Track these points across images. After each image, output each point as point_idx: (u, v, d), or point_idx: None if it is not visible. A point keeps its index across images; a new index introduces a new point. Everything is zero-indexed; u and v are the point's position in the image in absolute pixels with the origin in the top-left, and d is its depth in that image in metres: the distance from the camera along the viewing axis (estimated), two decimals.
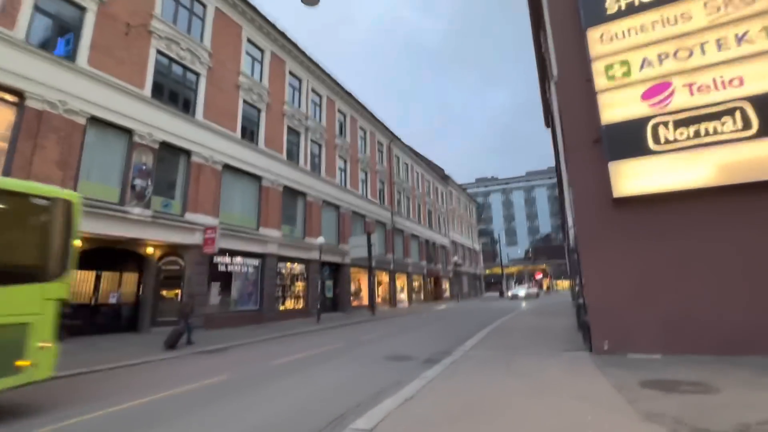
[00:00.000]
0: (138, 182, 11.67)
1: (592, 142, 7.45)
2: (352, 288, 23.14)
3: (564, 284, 68.79)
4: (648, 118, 6.92)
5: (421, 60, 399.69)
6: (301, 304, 18.44)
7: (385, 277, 27.56)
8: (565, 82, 8.06)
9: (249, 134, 16.55)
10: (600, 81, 7.40)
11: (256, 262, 16.00)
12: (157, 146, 12.40)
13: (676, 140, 6.63)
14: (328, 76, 22.22)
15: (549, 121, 28.68)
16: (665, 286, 6.53)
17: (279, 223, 17.25)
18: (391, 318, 18.57)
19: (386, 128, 29.47)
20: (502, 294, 49.75)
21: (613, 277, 6.85)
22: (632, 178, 6.85)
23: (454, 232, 45.26)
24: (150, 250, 12.82)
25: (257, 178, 16.60)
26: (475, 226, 58.29)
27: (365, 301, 24.07)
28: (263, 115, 17.28)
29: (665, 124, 6.78)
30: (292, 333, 12.68)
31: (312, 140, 20.62)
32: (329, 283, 21.18)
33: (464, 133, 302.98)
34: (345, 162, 23.74)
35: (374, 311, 19.62)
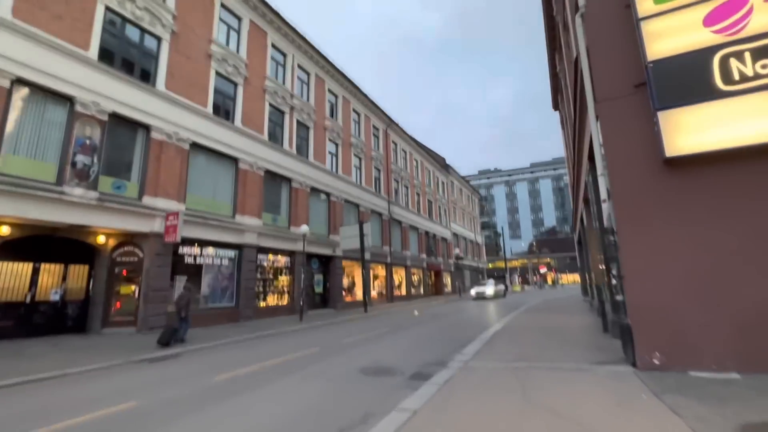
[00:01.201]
0: (80, 159, 9.91)
1: (633, 87, 5.62)
2: (345, 282, 21.44)
3: (569, 278, 67.04)
4: (714, 49, 5.07)
5: (420, 54, 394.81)
6: (285, 300, 16.75)
7: (381, 271, 25.84)
8: (595, 12, 6.19)
9: (223, 111, 14.74)
10: (644, 4, 5.54)
11: (231, 253, 14.28)
12: (105, 118, 10.62)
13: (757, 76, 4.79)
14: (317, 51, 20.32)
15: (557, 103, 26.71)
16: (740, 278, 4.73)
17: (259, 210, 15.51)
18: (384, 315, 16.86)
19: (383, 112, 27.56)
20: (506, 289, 48.02)
21: (666, 266, 5.05)
22: (692, 130, 5.02)
23: (456, 224, 43.44)
24: (101, 239, 11.11)
25: (233, 160, 14.82)
26: (478, 218, 56.42)
27: (360, 297, 22.38)
28: (240, 90, 15.45)
29: (739, 55, 4.93)
30: (268, 333, 10.99)
31: (298, 121, 18.79)
32: (318, 277, 19.47)
33: (465, 127, 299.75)
34: (336, 146, 21.90)
35: (367, 308, 17.92)
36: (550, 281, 64.06)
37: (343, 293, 21.01)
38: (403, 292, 28.37)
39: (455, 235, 42.74)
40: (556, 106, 27.33)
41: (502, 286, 30.35)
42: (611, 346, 6.75)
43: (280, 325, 12.91)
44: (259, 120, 16.25)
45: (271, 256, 16.27)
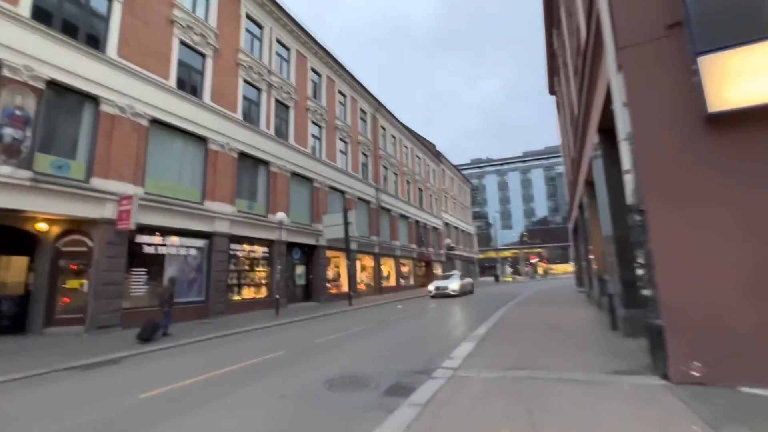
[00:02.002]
0: (8, 132, 8.48)
1: (665, 28, 4.46)
2: (330, 274, 20.28)
3: (560, 268, 66.92)
4: None
5: (410, 44, 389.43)
6: (263, 293, 15.54)
7: (369, 262, 24.74)
8: None
9: (190, 85, 13.28)
10: None
11: (200, 242, 12.98)
12: (42, 86, 9.16)
13: None
14: (298, 25, 18.80)
15: (552, 86, 25.58)
16: None
17: (232, 196, 14.18)
18: (369, 308, 15.78)
19: (370, 95, 26.15)
20: (497, 278, 47.47)
21: (710, 253, 3.97)
22: (747, 77, 3.90)
23: (447, 214, 42.45)
24: (42, 226, 9.74)
25: (202, 140, 13.42)
26: (470, 207, 55.56)
27: (344, 288, 21.25)
28: (210, 62, 13.97)
29: None
30: (235, 332, 9.81)
31: (277, 100, 17.36)
32: (300, 268, 18.28)
33: (455, 117, 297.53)
34: (320, 129, 20.52)
35: (351, 301, 16.82)
36: (541, 271, 63.83)
37: (328, 285, 19.87)
38: (392, 283, 27.35)
39: (446, 224, 41.78)
40: (552, 90, 26.23)
41: (469, 280, 23.47)
42: (626, 348, 5.72)
43: (253, 321, 11.73)
44: (232, 97, 14.81)
45: (246, 246, 15.00)
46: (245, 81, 15.61)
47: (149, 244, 11.43)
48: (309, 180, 19.05)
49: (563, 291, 21.01)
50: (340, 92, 23.05)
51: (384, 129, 28.84)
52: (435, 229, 37.97)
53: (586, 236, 14.59)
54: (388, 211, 27.75)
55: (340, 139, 22.38)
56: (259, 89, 16.35)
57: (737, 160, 4.00)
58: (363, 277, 24.12)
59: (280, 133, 17.42)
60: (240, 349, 7.69)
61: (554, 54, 20.59)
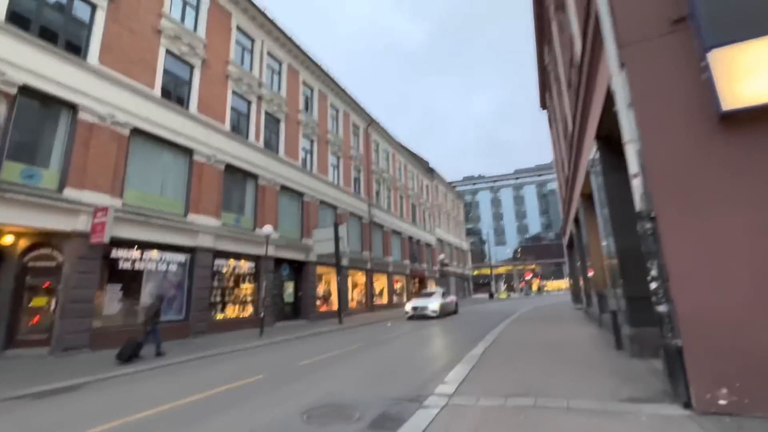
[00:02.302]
0: None
1: (671, 23, 4.19)
2: (320, 290, 19.61)
3: (554, 285, 66.53)
4: None
5: (402, 66, 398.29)
6: (249, 311, 14.82)
7: (361, 278, 24.10)
8: None
9: (176, 95, 12.92)
10: None
11: (182, 257, 12.35)
12: (14, 91, 8.70)
13: None
14: (289, 39, 18.72)
15: (544, 101, 25.77)
16: None
17: (218, 209, 13.65)
18: (360, 327, 15.11)
19: (363, 109, 26.08)
20: (492, 296, 46.87)
21: (735, 263, 3.57)
22: (760, 71, 3.59)
23: (441, 230, 42.11)
24: (7, 239, 9.10)
25: (186, 152, 12.97)
26: (463, 223, 55.33)
27: (334, 306, 20.53)
28: (197, 72, 13.67)
29: None
30: (215, 353, 9.14)
31: (267, 113, 17.07)
32: (289, 284, 17.60)
33: (448, 136, 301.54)
34: (311, 142, 20.23)
35: (341, 318, 16.13)
36: (535, 288, 63.35)
37: (317, 302, 19.17)
38: (385, 300, 26.64)
39: (440, 240, 41.37)
40: (543, 105, 26.42)
41: (453, 298, 20.27)
42: (636, 370, 5.24)
43: (236, 341, 11.03)
44: (220, 108, 14.47)
45: (232, 262, 14.37)
46: (234, 93, 15.31)
47: (126, 259, 10.78)
48: (299, 194, 18.60)
49: (559, 308, 20.53)
50: (332, 106, 22.91)
51: (377, 144, 28.70)
52: (428, 245, 37.52)
53: (582, 251, 14.24)
54: (381, 226, 27.30)
55: (332, 153, 22.08)
56: (248, 101, 16.06)
57: (756, 162, 3.65)
58: (355, 294, 23.43)
59: (270, 146, 17.06)
60: (215, 372, 7.04)
61: (545, 70, 20.75)
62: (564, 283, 64.88)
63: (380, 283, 26.73)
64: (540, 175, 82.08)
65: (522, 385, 4.74)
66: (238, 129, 15.46)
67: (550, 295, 49.48)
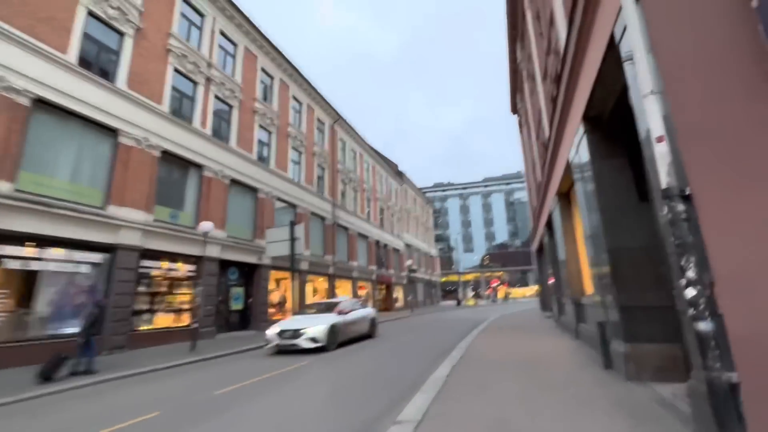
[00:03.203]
0: None
1: None
2: (274, 297, 17.79)
3: (520, 292, 67.27)
4: None
5: (375, 73, 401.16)
6: (185, 320, 12.83)
7: (323, 284, 22.43)
8: None
9: (98, 65, 10.96)
10: None
11: (97, 257, 10.32)
12: None
13: None
14: (247, 20, 17.05)
15: (515, 105, 25.42)
16: None
17: (149, 201, 11.71)
18: None
19: (329, 105, 24.64)
20: (459, 303, 46.33)
21: None
22: None
23: (409, 235, 41.11)
24: None
25: (110, 132, 11.00)
26: (432, 230, 54.77)
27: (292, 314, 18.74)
28: (129, 42, 11.75)
29: None
30: (120, 375, 7.33)
31: (217, 97, 15.26)
32: (237, 290, 15.70)
33: (417, 147, 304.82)
34: (269, 134, 18.51)
35: None
36: (502, 295, 63.73)
37: (272, 310, 17.35)
38: None
39: (408, 246, 40.34)
40: (514, 109, 26.09)
41: (366, 313, 12.60)
42: (639, 400, 4.10)
43: (159, 358, 9.16)
44: (157, 86, 12.57)
45: (165, 263, 12.39)
46: (177, 71, 13.45)
47: (15, 257, 8.69)
48: (253, 190, 16.82)
49: (528, 316, 19.81)
50: (295, 98, 21.30)
51: (343, 142, 27.29)
52: (396, 250, 36.34)
53: (554, 256, 13.45)
54: (346, 229, 25.79)
55: (293, 148, 20.43)
56: (194, 82, 14.21)
57: None
58: (315, 301, 21.67)
59: (220, 135, 15.23)
60: (101, 405, 5.31)
61: (517, 70, 20.25)
62: (529, 291, 65.79)
63: (344, 289, 25.13)
64: (508, 184, 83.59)
65: (501, 425, 3.46)
66: (181, 112, 13.58)
67: (516, 302, 49.61)
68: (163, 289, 12.30)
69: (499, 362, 6.70)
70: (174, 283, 12.63)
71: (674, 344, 4.88)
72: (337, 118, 25.81)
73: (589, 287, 8.56)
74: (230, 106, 15.99)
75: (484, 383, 5.23)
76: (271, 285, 17.68)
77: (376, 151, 33.35)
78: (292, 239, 15.12)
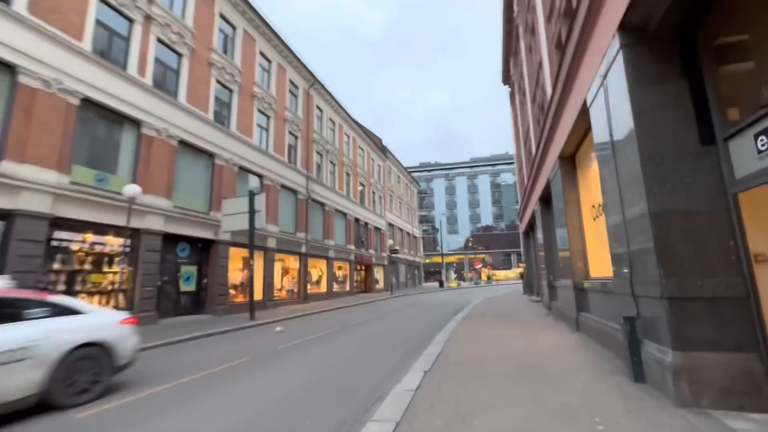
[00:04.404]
0: None
1: None
2: (238, 277, 15.89)
3: (503, 274, 67.05)
4: None
5: (360, 52, 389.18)
6: (119, 302, 10.85)
7: (294, 263, 20.59)
8: None
9: None
10: None
11: None
12: None
13: None
14: None
15: (508, 74, 23.49)
16: None
17: (65, 159, 9.50)
18: (275, 323, 11.79)
19: (304, 67, 22.16)
20: (442, 284, 45.39)
21: None
22: None
23: (392, 214, 39.41)
24: None
25: (7, 68, 8.66)
26: (416, 210, 53.21)
27: (256, 296, 16.94)
28: None
29: None
30: None
31: (161, 41, 12.82)
32: (189, 269, 13.70)
33: (404, 128, 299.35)
34: (230, 93, 16.16)
35: (254, 314, 12.64)
36: (485, 277, 63.32)
37: (232, 292, 15.49)
38: (323, 289, 23.37)
39: (391, 225, 38.69)
40: (506, 79, 24.19)
41: (85, 322, 4.90)
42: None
43: None
44: (76, 18, 10.13)
45: (89, 236, 10.28)
46: (104, 1, 10.96)
47: None
48: (209, 155, 14.62)
49: (513, 299, 18.54)
50: (263, 55, 18.81)
51: (320, 110, 24.95)
52: (378, 229, 34.64)
53: (549, 234, 11.91)
54: (322, 204, 23.82)
55: (260, 111, 18.11)
56: (129, 19, 11.74)
57: None
58: (285, 282, 19.91)
59: (164, 87, 12.87)
60: None
61: (512, 30, 18.23)
62: (512, 273, 65.63)
63: (318, 269, 23.38)
64: (494, 165, 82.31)
65: None
66: (110, 54, 11.18)
67: (500, 285, 49.07)
68: (87, 266, 10.25)
69: (487, 366, 5.07)
70: (100, 260, 10.56)
71: (750, 353, 3.29)
72: (313, 82, 23.37)
73: (597, 268, 6.98)
74: (179, 54, 13.56)
75: (469, 406, 3.56)
76: (236, 264, 15.76)
77: (357, 123, 31.06)
78: (252, 212, 13.16)
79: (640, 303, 4.16)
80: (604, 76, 4.69)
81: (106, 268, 10.70)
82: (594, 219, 7.01)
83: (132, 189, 9.05)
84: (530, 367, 4.90)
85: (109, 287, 10.68)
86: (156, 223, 11.76)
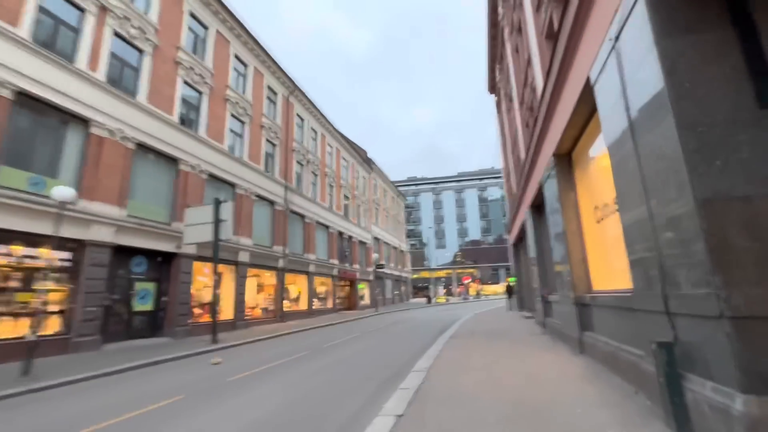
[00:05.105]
0: None
1: None
2: (204, 295, 14.42)
3: (492, 289, 66.10)
4: None
5: (347, 70, 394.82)
6: (52, 327, 9.37)
7: (270, 279, 19.17)
8: None
9: None
10: None
11: None
12: None
13: None
14: None
15: (493, 83, 23.06)
16: None
17: None
18: (235, 348, 10.42)
19: (283, 73, 21.29)
20: (429, 300, 44.10)
21: None
22: None
23: (378, 228, 38.29)
24: None
25: None
26: (403, 224, 52.22)
27: (226, 315, 15.47)
28: None
29: None
30: None
31: (119, 34, 11.72)
32: (146, 286, 12.24)
33: (390, 145, 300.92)
34: (199, 95, 15.05)
35: (216, 335, 11.23)
36: (473, 292, 62.23)
37: (197, 311, 14.02)
38: (303, 306, 21.90)
39: (377, 239, 37.52)
40: (492, 88, 23.74)
41: None
42: None
43: None
44: (10, 1, 8.99)
45: (18, 248, 8.88)
46: None
47: None
48: (172, 160, 13.38)
49: (503, 316, 17.45)
50: (238, 58, 17.85)
51: (301, 119, 23.99)
52: (362, 243, 33.42)
53: (540, 244, 10.97)
54: (302, 216, 22.58)
55: (234, 117, 17.02)
56: (80, 8, 10.64)
57: None
58: (260, 300, 18.46)
59: (120, 84, 11.70)
60: None
61: (497, 36, 17.75)
62: (501, 288, 64.67)
63: (298, 285, 21.96)
64: (481, 179, 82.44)
65: None
66: (54, 45, 10.01)
67: (488, 300, 47.99)
68: (14, 283, 8.79)
69: (478, 407, 3.92)
70: (31, 276, 9.10)
71: None
72: (293, 89, 22.47)
73: (604, 279, 5.98)
74: (140, 51, 12.46)
75: None
76: (208, 280, 14.31)
77: (341, 134, 30.19)
78: (217, 221, 11.89)
79: (678, 323, 3.12)
80: (616, 38, 3.77)
81: (38, 286, 9.24)
82: (598, 222, 6.05)
83: (62, 192, 7.71)
84: (533, 409, 3.77)
85: (39, 308, 9.19)
86: (104, 234, 10.39)
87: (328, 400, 4.92)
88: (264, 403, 4.87)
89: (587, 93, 5.02)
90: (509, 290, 22.57)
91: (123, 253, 11.29)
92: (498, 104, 22.72)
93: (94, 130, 10.61)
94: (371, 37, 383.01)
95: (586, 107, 5.47)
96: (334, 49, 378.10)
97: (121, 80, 11.79)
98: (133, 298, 11.73)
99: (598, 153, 5.90)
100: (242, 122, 17.62)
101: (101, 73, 10.97)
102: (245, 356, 8.98)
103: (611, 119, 4.18)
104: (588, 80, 4.80)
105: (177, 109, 13.66)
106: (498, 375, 5.31)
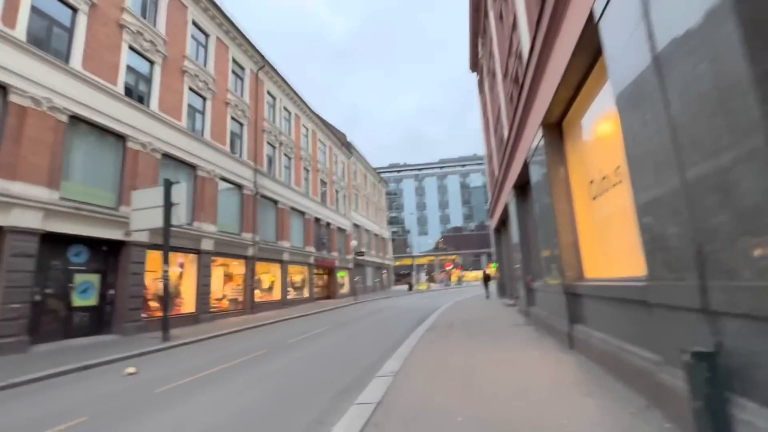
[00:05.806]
0: None
1: None
2: (159, 287, 13.11)
3: (473, 275, 66.36)
4: None
5: (325, 61, 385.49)
6: None
7: (238, 268, 17.93)
8: None
9: None
10: None
11: None
12: None
13: None
14: None
15: (476, 61, 22.03)
16: None
17: None
18: (186, 347, 9.31)
19: (251, 46, 19.62)
20: (411, 287, 43.63)
21: None
22: None
23: (358, 214, 37.21)
24: None
25: None
26: (385, 210, 51.26)
27: (188, 308, 14.26)
28: None
29: None
30: None
31: None
32: (87, 278, 10.88)
33: (369, 135, 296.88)
34: (150, 65, 13.43)
35: (167, 332, 10.05)
36: (455, 279, 62.31)
37: (153, 305, 12.74)
38: (276, 296, 20.77)
39: (357, 226, 36.46)
40: (474, 66, 22.69)
41: None
42: None
43: None
44: None
45: None
46: None
47: None
48: (118, 137, 11.87)
49: (484, 304, 16.82)
50: (197, 25, 16.15)
51: (273, 97, 22.42)
52: (341, 230, 32.31)
53: (525, 227, 10.17)
54: (275, 202, 21.25)
55: (193, 91, 15.44)
56: None
57: None
58: (228, 291, 17.24)
59: (47, 46, 10.09)
60: None
61: (480, 6, 16.63)
62: (481, 275, 64.98)
63: (270, 274, 20.78)
64: (463, 166, 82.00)
65: None
66: None
67: (470, 286, 47.96)
68: None
69: (452, 422, 2.99)
70: None
71: None
72: (263, 64, 20.83)
73: (598, 266, 5.15)
74: (73, 9, 10.79)
75: None
76: (157, 270, 12.94)
77: (318, 116, 28.68)
78: (168, 205, 10.57)
79: (726, 327, 2.22)
80: None
81: None
82: (594, 198, 5.17)
83: None
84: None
85: None
86: (29, 220, 8.97)
87: (264, 418, 3.92)
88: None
89: (587, 36, 4.05)
90: (486, 278, 21.95)
91: (57, 241, 9.89)
92: (480, 83, 21.74)
93: (13, 98, 9.05)
94: (349, 23, 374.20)
95: (584, 57, 4.51)
96: (314, 34, 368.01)
97: (48, 42, 10.16)
98: (71, 292, 10.37)
99: (595, 117, 5.00)
100: (203, 98, 16.05)
101: (21, 32, 9.34)
102: (192, 357, 7.88)
103: (623, 58, 3.21)
104: (590, 17, 3.82)
105: (121, 78, 12.06)
106: (478, 381, 4.43)
